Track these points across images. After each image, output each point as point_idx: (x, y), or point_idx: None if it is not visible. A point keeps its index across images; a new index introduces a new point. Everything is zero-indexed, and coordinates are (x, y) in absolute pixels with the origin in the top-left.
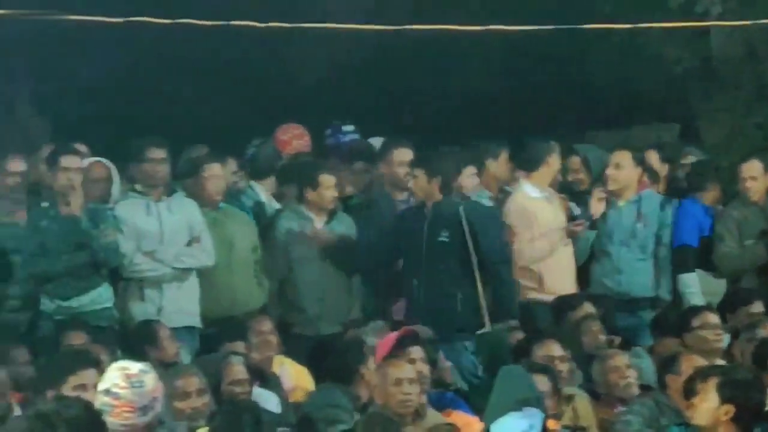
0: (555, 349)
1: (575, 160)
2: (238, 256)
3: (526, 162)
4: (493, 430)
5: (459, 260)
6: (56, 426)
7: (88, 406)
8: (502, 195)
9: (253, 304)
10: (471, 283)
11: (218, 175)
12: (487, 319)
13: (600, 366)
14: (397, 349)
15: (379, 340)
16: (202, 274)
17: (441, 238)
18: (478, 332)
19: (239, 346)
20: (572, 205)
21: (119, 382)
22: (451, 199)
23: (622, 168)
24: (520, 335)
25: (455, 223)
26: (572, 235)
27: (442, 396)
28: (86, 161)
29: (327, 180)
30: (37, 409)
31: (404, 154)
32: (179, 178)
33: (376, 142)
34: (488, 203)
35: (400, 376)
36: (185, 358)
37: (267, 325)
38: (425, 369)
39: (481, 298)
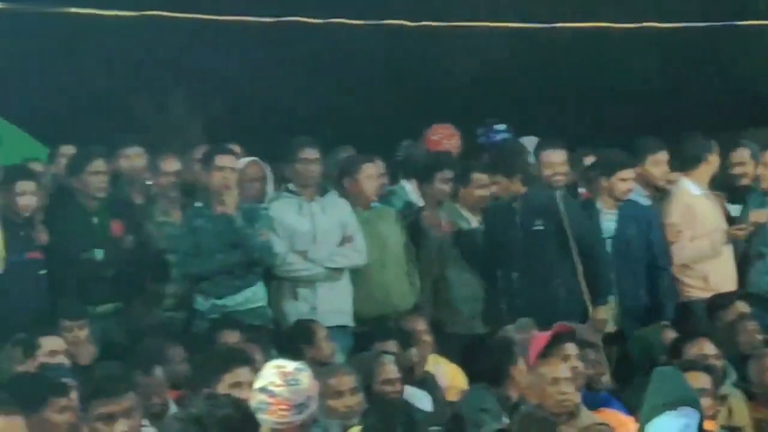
0: (708, 347)
1: (743, 153)
2: (390, 255)
3: (685, 160)
4: (648, 430)
5: (556, 248)
6: (208, 427)
7: (239, 404)
8: (659, 194)
9: (405, 304)
10: (570, 270)
11: (374, 175)
12: (589, 304)
13: (757, 365)
14: (551, 347)
15: (526, 337)
16: (356, 273)
17: (536, 227)
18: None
19: (391, 345)
20: (729, 206)
21: (275, 380)
22: (541, 188)
23: None
24: (672, 334)
25: (549, 211)
26: (733, 238)
27: (596, 395)
28: (242, 161)
29: (479, 179)
30: (188, 411)
31: (557, 156)
32: (334, 179)
33: (529, 141)
34: (646, 202)
35: (556, 375)
36: (338, 357)
37: (421, 324)
38: (580, 366)
39: (582, 284)
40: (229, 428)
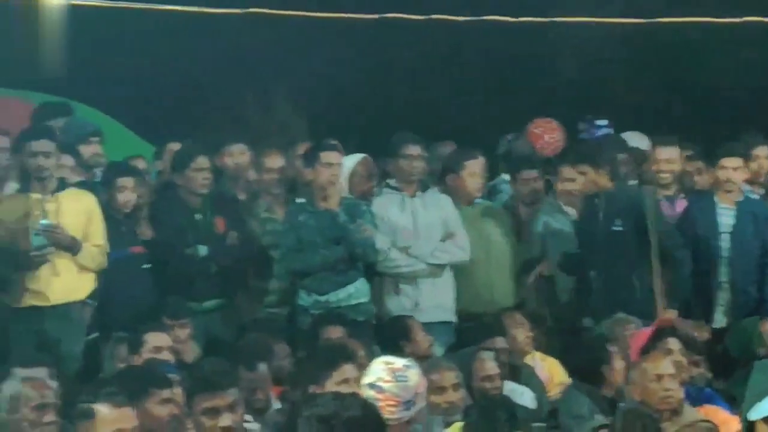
0: None
1: None
2: (495, 251)
3: None
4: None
5: (635, 248)
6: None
7: (366, 404)
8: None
9: (508, 302)
10: (648, 270)
11: (477, 172)
12: (660, 305)
13: None
14: (654, 342)
15: (623, 332)
16: (461, 269)
17: (615, 227)
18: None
19: (499, 341)
20: None
21: (384, 376)
22: (627, 186)
23: None
24: None
25: (631, 210)
26: None
27: (699, 391)
28: (353, 157)
29: (566, 172)
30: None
31: (667, 152)
32: (437, 174)
33: (632, 137)
34: (755, 197)
35: (660, 371)
36: (439, 352)
37: (522, 320)
38: (684, 361)
39: (656, 285)
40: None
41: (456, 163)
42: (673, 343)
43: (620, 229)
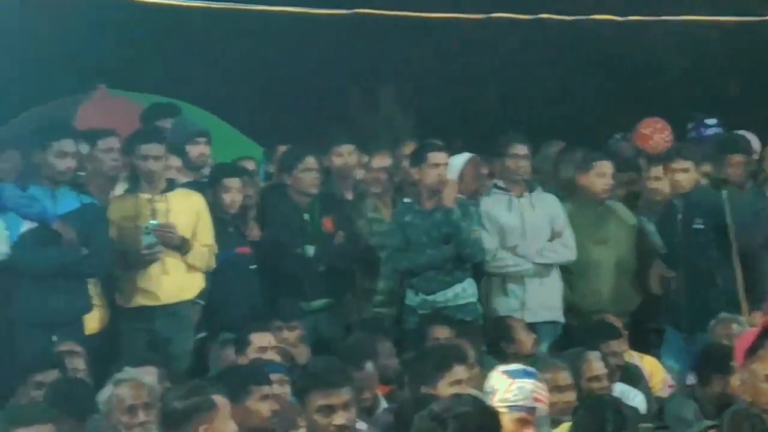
0: None
1: None
2: (615, 253)
3: None
4: None
5: (716, 248)
6: (448, 423)
7: (479, 402)
8: None
9: (630, 305)
10: (730, 270)
11: (607, 173)
12: (744, 305)
13: None
14: (761, 342)
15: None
16: (579, 270)
17: (696, 225)
18: None
19: (614, 345)
20: None
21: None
22: (706, 187)
23: None
24: None
25: (711, 210)
26: None
27: None
28: (460, 157)
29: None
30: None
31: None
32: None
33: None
34: None
35: None
36: (546, 352)
37: (616, 320)
38: None
39: (740, 285)
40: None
41: (585, 163)
42: None
43: (701, 227)
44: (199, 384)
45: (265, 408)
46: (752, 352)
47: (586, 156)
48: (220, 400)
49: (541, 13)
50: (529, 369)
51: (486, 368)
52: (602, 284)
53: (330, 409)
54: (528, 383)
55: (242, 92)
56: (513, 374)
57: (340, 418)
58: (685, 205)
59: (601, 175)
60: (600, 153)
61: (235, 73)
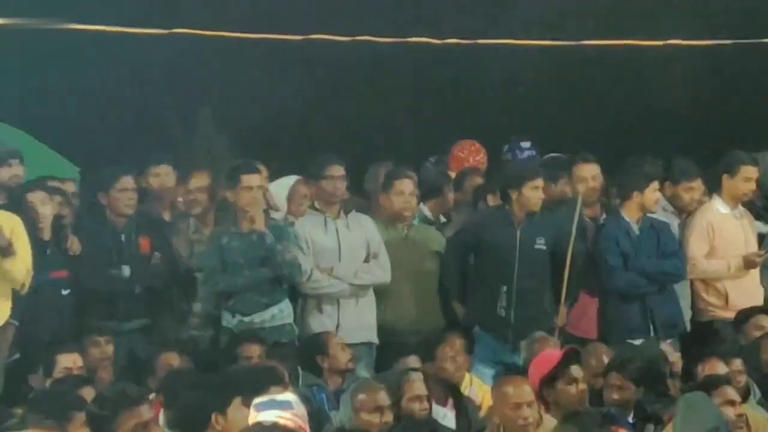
0: (719, 367)
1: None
2: (424, 272)
3: (711, 177)
4: None
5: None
6: None
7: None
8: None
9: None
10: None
11: (406, 191)
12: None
13: None
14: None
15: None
16: (389, 291)
17: (538, 246)
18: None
19: (413, 361)
20: (758, 224)
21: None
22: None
23: None
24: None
25: (550, 230)
26: (751, 266)
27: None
28: (289, 179)
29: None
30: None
31: (589, 169)
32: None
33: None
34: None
35: (518, 399)
36: (364, 373)
37: (458, 343)
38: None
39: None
40: None
41: (386, 183)
42: (577, 371)
43: (543, 247)
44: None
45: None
46: (550, 380)
47: (387, 175)
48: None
49: (359, 35)
50: (279, 398)
51: (302, 386)
52: (405, 306)
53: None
54: (269, 414)
55: (58, 112)
56: (259, 407)
57: None
58: (527, 224)
59: (399, 194)
60: (402, 171)
61: (51, 92)
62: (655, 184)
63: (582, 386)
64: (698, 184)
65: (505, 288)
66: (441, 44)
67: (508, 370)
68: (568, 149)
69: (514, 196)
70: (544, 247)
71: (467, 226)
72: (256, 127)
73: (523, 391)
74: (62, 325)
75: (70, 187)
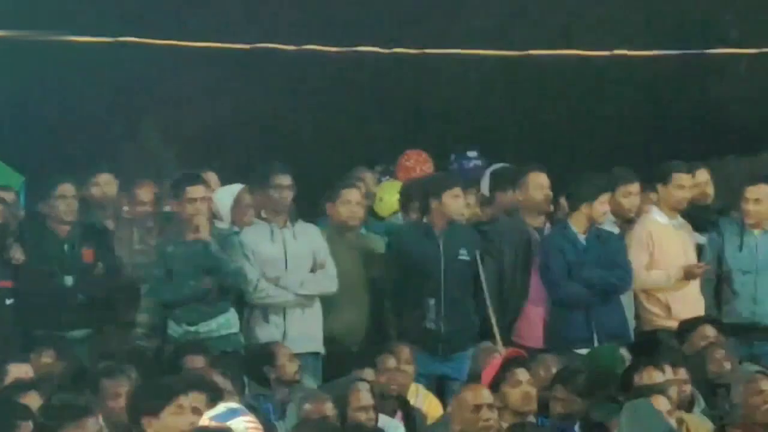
0: (656, 376)
1: (702, 173)
2: (371, 281)
3: (651, 185)
4: None
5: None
6: None
7: None
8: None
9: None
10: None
11: (353, 200)
12: (497, 335)
13: (742, 389)
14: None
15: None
16: (335, 300)
17: (461, 257)
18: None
19: (368, 373)
20: (697, 234)
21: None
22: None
23: (762, 202)
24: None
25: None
26: (691, 278)
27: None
28: (233, 187)
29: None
30: None
31: (542, 178)
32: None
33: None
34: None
35: (478, 401)
36: (310, 383)
37: (405, 353)
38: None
39: (491, 315)
40: None
41: (333, 192)
42: (522, 374)
43: (466, 258)
44: None
45: None
46: (495, 385)
47: (335, 184)
48: None
49: (306, 44)
50: (233, 406)
51: (249, 396)
52: (352, 316)
53: None
54: (240, 422)
55: (3, 120)
56: (219, 418)
57: None
58: (448, 235)
59: (346, 203)
60: (349, 180)
61: None
62: (605, 196)
63: (527, 388)
64: (636, 189)
65: (433, 301)
66: (389, 54)
67: (441, 382)
68: (514, 159)
69: (434, 205)
70: (467, 258)
71: (391, 240)
72: (201, 136)
73: (482, 394)
74: (6, 335)
75: (11, 197)
